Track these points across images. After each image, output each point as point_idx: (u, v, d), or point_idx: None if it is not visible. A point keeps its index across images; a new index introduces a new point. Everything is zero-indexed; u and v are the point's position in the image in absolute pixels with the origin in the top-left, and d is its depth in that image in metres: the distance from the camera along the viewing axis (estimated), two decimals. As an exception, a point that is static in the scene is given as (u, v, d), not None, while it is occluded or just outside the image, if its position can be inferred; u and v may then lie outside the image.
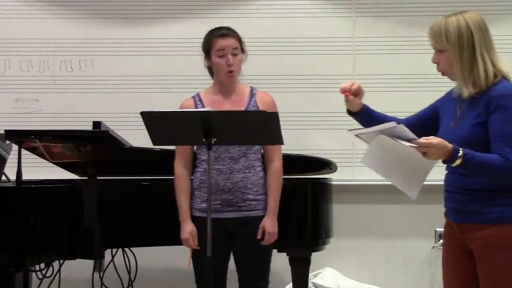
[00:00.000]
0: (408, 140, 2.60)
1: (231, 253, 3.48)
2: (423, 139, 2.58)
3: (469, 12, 2.74)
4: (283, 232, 3.81)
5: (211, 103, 3.41)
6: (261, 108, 3.40)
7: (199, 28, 5.14)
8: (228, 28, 3.47)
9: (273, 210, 3.41)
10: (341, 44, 5.15)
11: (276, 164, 3.44)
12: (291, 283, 4.05)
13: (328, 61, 5.11)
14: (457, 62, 2.69)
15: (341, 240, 4.74)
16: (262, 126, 3.13)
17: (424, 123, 2.86)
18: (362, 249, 5.18)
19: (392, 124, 2.62)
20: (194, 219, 3.41)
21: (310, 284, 4.58)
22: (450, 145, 2.57)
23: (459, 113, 2.75)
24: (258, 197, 3.41)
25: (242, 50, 3.46)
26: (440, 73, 2.78)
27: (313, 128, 4.84)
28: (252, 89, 3.51)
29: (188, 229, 3.37)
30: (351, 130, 2.79)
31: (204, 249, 3.19)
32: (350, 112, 2.94)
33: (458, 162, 2.57)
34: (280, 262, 4.06)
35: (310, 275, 4.44)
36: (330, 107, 4.82)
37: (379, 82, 5.06)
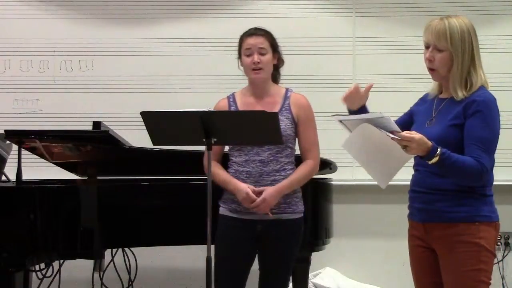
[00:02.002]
0: (391, 132, 2.65)
1: (256, 255, 3.42)
2: (406, 133, 2.65)
3: (462, 17, 2.80)
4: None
5: (244, 105, 3.39)
6: (294, 110, 3.37)
7: (199, 28, 5.20)
8: (258, 28, 3.43)
9: (282, 185, 3.30)
10: (341, 44, 5.15)
11: (310, 161, 3.40)
12: (291, 283, 4.04)
13: (328, 61, 5.11)
14: (458, 65, 2.74)
15: (341, 240, 4.74)
16: (261, 126, 3.12)
17: (403, 129, 2.88)
18: (362, 249, 5.18)
19: (378, 114, 2.67)
20: (224, 218, 3.38)
21: (310, 284, 4.58)
22: (430, 143, 2.64)
23: (435, 113, 2.82)
24: (288, 200, 3.35)
25: (275, 52, 3.42)
26: (428, 69, 2.83)
27: (313, 128, 4.84)
28: (287, 90, 3.46)
29: (241, 187, 3.26)
30: (335, 115, 2.83)
31: (229, 249, 3.21)
32: (349, 110, 2.99)
33: (435, 159, 2.64)
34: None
35: (310, 275, 4.44)
36: (330, 107, 4.82)
37: (379, 82, 5.04)
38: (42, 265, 3.85)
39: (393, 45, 5.07)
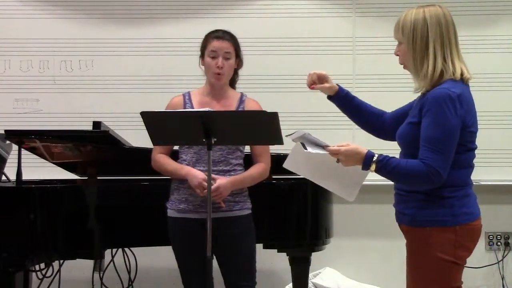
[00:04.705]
0: (323, 147, 2.64)
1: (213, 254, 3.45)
2: (332, 147, 2.62)
3: (434, 6, 2.69)
4: (283, 232, 3.81)
5: (200, 104, 3.42)
6: None
7: (199, 28, 5.15)
8: (225, 32, 3.46)
9: (235, 178, 3.34)
10: (341, 44, 5.15)
11: (263, 164, 3.43)
12: (291, 283, 4.05)
13: (328, 61, 5.11)
14: (409, 55, 2.67)
15: (341, 240, 4.74)
16: (262, 126, 3.12)
17: (401, 117, 2.82)
18: (362, 249, 5.18)
19: (300, 132, 2.66)
20: (172, 221, 3.41)
21: (310, 284, 4.58)
22: (363, 151, 2.59)
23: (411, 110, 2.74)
24: (237, 198, 3.40)
25: (237, 56, 3.45)
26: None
27: (313, 128, 4.81)
28: (242, 95, 3.50)
29: (197, 173, 3.28)
30: (288, 135, 2.80)
31: (187, 250, 3.21)
32: (329, 98, 3.00)
33: (372, 167, 2.59)
34: (280, 262, 4.07)
35: (310, 275, 4.44)
36: (330, 107, 4.82)
37: (379, 82, 5.07)
38: (42, 265, 3.85)
39: (393, 45, 5.02)
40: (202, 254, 3.22)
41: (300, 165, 2.78)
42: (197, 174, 3.28)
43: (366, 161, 2.59)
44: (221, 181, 3.28)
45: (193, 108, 3.39)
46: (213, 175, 3.27)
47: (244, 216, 3.42)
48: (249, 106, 3.45)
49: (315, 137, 2.70)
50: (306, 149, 2.64)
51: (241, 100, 3.46)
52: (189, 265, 3.35)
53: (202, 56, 3.46)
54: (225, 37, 3.42)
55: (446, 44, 2.64)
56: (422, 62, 2.64)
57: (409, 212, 2.66)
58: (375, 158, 2.58)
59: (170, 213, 3.42)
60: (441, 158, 2.53)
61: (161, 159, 3.43)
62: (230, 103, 3.45)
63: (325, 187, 2.85)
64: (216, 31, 3.47)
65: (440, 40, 2.64)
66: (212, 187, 3.23)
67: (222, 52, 3.39)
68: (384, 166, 2.57)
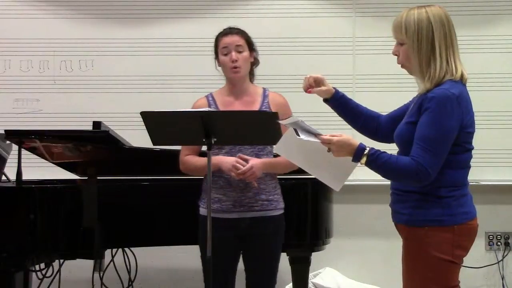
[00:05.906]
0: (316, 135, 2.64)
1: (241, 253, 3.45)
2: (325, 135, 2.61)
3: (434, 6, 2.68)
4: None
5: (223, 104, 3.41)
6: (273, 109, 3.38)
7: (199, 28, 5.20)
8: (232, 27, 3.47)
9: (267, 159, 3.36)
10: (341, 44, 5.15)
11: None
12: (291, 283, 4.05)
13: (328, 61, 5.11)
14: (415, 56, 2.65)
15: (341, 240, 4.74)
16: (262, 126, 3.12)
17: (397, 118, 2.82)
18: (362, 249, 5.18)
19: (294, 118, 2.66)
20: (205, 219, 3.38)
21: (310, 284, 4.58)
22: (355, 143, 2.58)
23: (409, 110, 2.73)
24: (270, 197, 3.39)
25: (251, 49, 3.44)
26: (400, 65, 2.76)
27: (313, 128, 4.84)
28: (264, 90, 3.49)
29: (229, 158, 3.29)
30: (281, 120, 2.83)
31: (214, 250, 3.19)
32: (325, 100, 2.97)
33: (363, 160, 2.58)
34: (280, 262, 4.06)
35: (310, 275, 4.44)
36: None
37: (379, 82, 5.07)
38: (42, 265, 3.85)
39: (393, 45, 5.05)
40: (230, 254, 3.28)
41: (291, 151, 2.79)
42: (228, 159, 3.29)
43: (357, 153, 2.58)
44: (253, 161, 3.28)
45: (218, 108, 3.39)
46: (245, 156, 3.29)
47: (277, 216, 3.41)
48: (273, 100, 3.44)
49: (308, 125, 2.69)
50: (298, 135, 2.64)
51: (265, 95, 3.46)
52: (214, 265, 3.33)
53: (216, 57, 3.46)
54: (233, 31, 3.43)
55: (449, 45, 2.63)
56: (428, 63, 2.62)
57: (407, 211, 2.65)
58: (366, 151, 2.57)
59: (203, 211, 3.39)
60: (432, 157, 2.52)
61: (190, 158, 3.42)
62: (254, 99, 3.43)
63: (313, 174, 2.85)
64: (224, 29, 3.48)
65: (444, 41, 2.63)
66: (245, 167, 3.25)
67: (233, 46, 3.38)
68: (375, 160, 2.57)
